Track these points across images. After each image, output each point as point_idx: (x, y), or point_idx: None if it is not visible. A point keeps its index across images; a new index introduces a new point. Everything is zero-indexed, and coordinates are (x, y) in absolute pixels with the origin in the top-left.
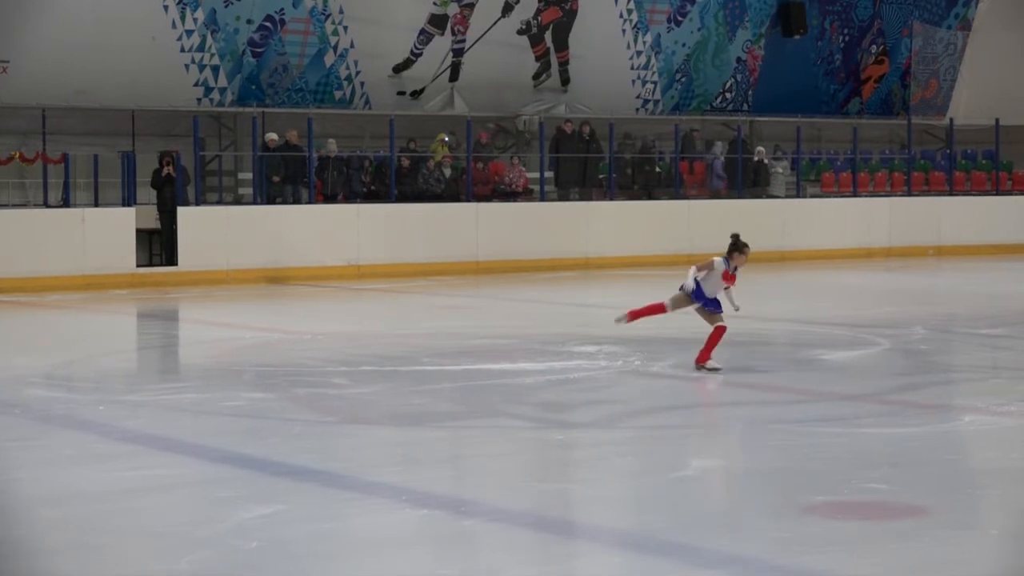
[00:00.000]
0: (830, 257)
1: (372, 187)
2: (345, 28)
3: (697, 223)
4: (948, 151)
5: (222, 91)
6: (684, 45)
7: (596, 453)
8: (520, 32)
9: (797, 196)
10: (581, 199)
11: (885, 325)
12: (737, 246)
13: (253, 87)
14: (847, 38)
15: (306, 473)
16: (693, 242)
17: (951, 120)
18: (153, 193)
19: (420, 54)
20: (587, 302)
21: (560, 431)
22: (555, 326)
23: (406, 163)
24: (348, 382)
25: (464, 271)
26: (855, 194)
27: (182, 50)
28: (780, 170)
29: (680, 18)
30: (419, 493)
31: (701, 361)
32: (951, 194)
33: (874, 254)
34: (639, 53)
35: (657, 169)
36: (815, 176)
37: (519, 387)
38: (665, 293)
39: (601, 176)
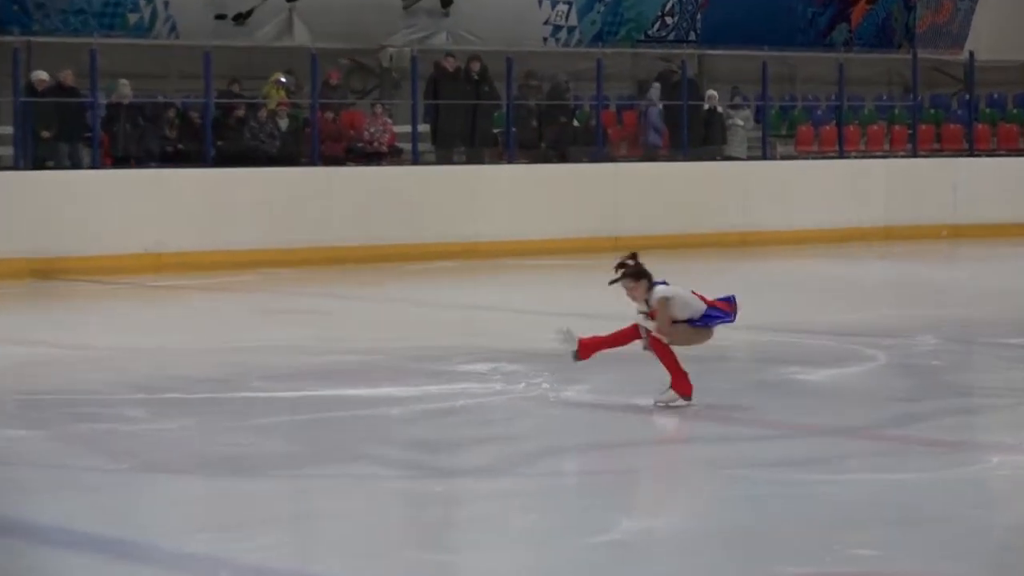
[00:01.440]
0: (808, 240)
1: (180, 145)
2: None
3: (627, 193)
4: (967, 96)
5: None
6: None
7: (490, 510)
8: None
9: (763, 157)
10: (469, 162)
11: (882, 333)
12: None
13: (15, 8)
14: None
15: (89, 541)
16: (621, 220)
17: (971, 54)
18: None
19: None
20: (477, 302)
21: (440, 480)
22: (433, 336)
23: (230, 112)
24: (147, 415)
25: (308, 260)
26: (842, 155)
27: None
28: (740, 122)
29: None
30: (245, 567)
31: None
32: (971, 154)
33: (868, 236)
34: None
35: (573, 121)
36: (787, 130)
37: (383, 420)
38: (586, 288)
39: (496, 130)
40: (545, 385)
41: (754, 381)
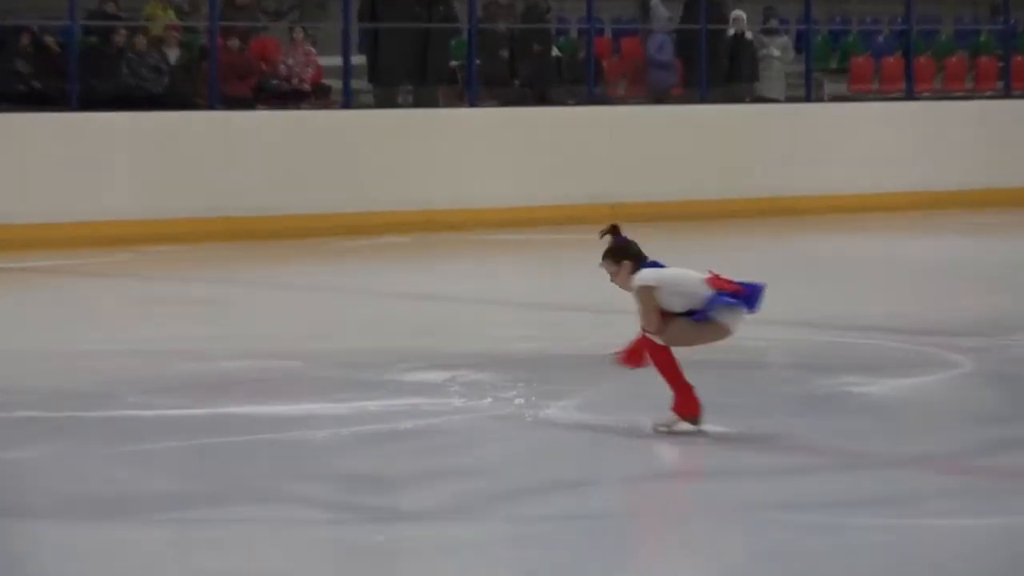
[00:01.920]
0: (866, 209)
1: (35, 83)
2: None
3: (628, 146)
4: None
5: None
6: None
7: (444, 565)
8: None
9: (807, 99)
10: (418, 105)
11: (966, 331)
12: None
13: None
14: None
15: None
16: (620, 181)
17: None
18: None
19: None
20: (430, 290)
21: (380, 527)
22: (371, 335)
23: (105, 40)
24: None
25: (206, 234)
26: (910, 96)
27: None
28: (776, 52)
29: None
30: None
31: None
32: None
33: (945, 203)
34: None
35: (555, 51)
36: (838, 63)
37: (304, 448)
38: (573, 270)
39: (454, 64)
40: (519, 400)
41: (795, 395)
